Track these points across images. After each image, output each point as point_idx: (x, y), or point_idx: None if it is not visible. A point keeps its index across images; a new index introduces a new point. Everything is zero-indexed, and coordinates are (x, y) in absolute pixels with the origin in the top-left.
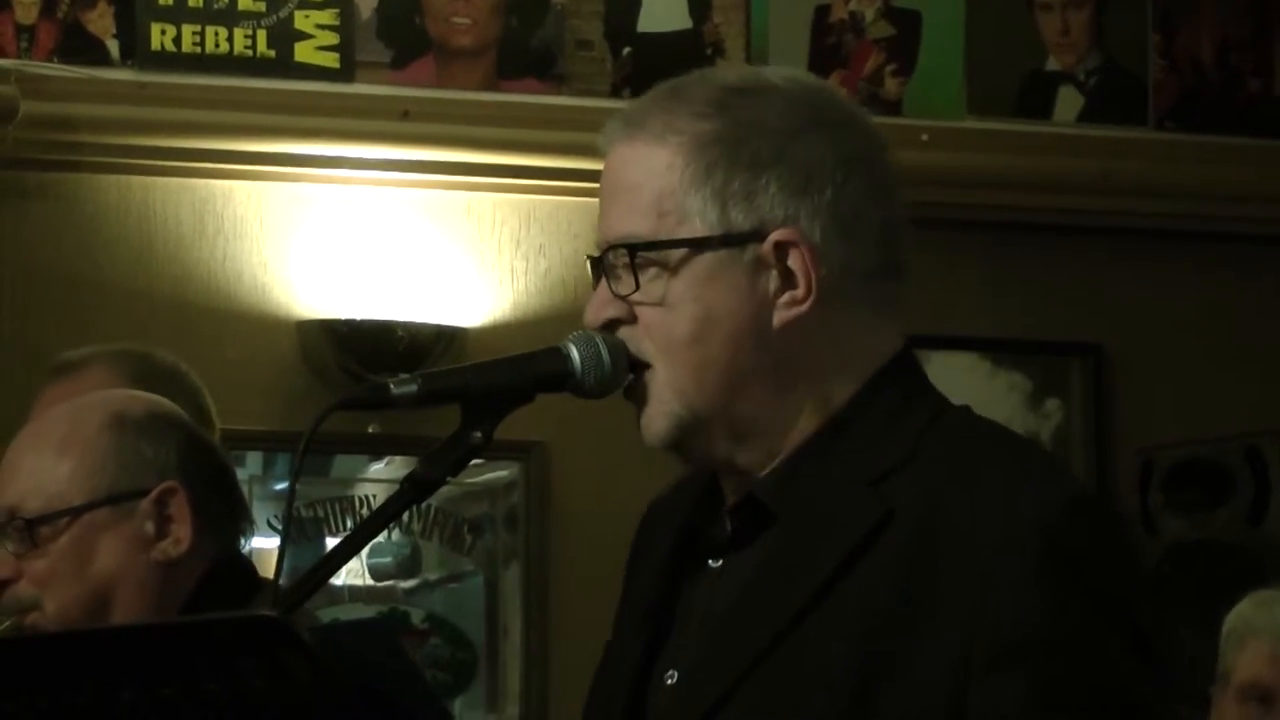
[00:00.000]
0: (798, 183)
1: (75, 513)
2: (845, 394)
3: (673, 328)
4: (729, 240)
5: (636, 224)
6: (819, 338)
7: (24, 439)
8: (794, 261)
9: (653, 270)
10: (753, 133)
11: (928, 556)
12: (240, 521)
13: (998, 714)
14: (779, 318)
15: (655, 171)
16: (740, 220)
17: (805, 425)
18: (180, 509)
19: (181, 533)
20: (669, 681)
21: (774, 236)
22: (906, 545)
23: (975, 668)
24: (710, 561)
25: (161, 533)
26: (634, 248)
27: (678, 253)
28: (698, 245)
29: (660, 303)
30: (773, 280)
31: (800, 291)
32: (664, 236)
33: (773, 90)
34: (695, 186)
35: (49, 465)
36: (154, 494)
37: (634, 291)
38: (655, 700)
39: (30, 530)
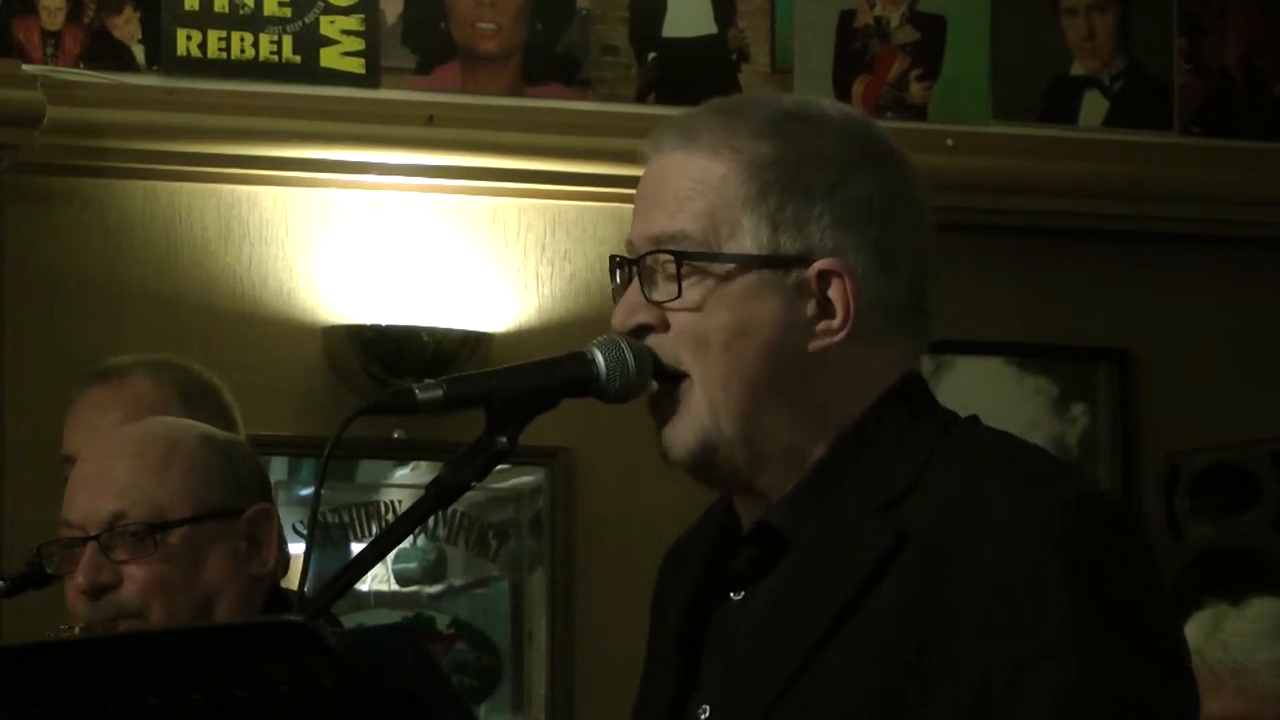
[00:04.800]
0: (848, 216)
1: (191, 522)
2: (853, 417)
3: (706, 332)
4: (775, 262)
5: (684, 231)
6: (845, 367)
7: (112, 450)
8: (834, 292)
9: (695, 279)
10: (810, 161)
11: (941, 576)
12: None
13: None
14: (814, 345)
15: (709, 183)
16: (788, 245)
17: (819, 450)
18: (269, 531)
19: (268, 554)
20: (702, 716)
21: (819, 265)
22: (920, 568)
23: (994, 680)
24: (732, 594)
25: (250, 552)
26: (682, 255)
27: (723, 266)
28: (745, 262)
29: (696, 309)
30: (810, 307)
31: (837, 322)
32: (712, 248)
33: (827, 119)
34: (749, 205)
35: (153, 476)
36: (250, 514)
37: (674, 299)
38: None
39: (152, 535)
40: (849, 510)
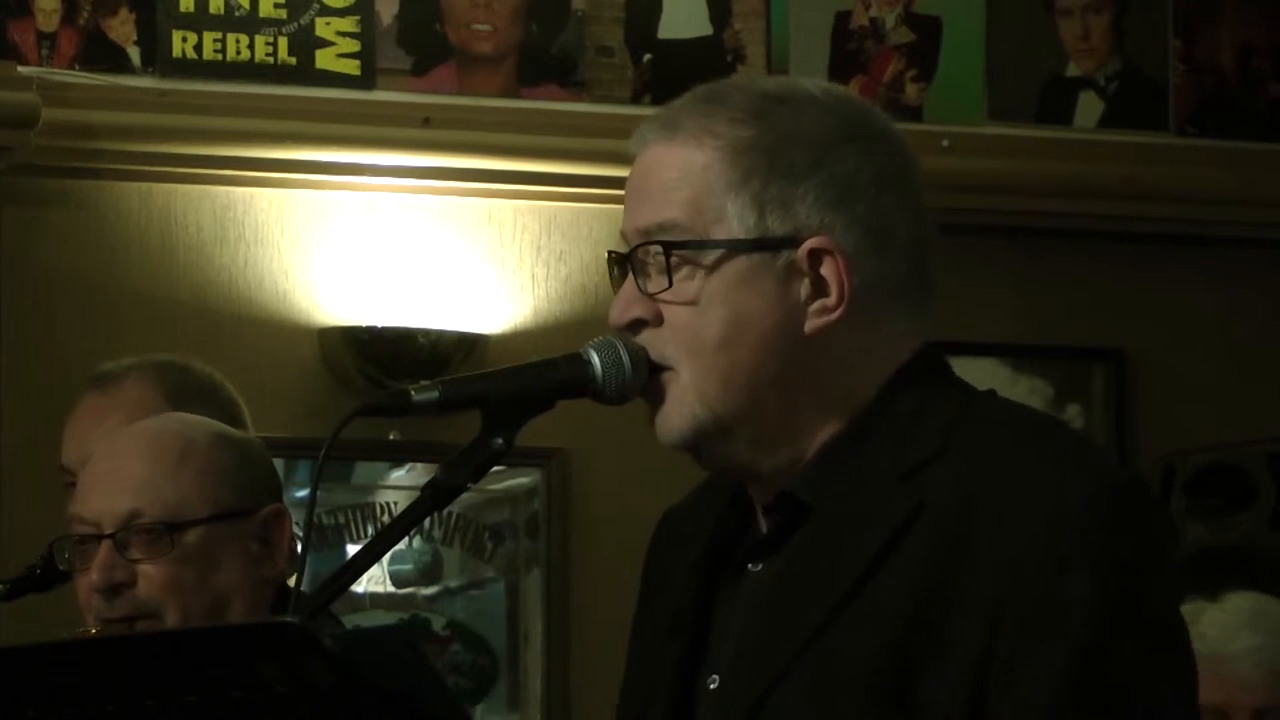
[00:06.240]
0: (834, 193)
1: (206, 522)
2: (869, 393)
3: (701, 330)
4: (763, 245)
5: (671, 221)
6: (846, 348)
7: (127, 448)
8: (827, 270)
9: (685, 270)
10: (791, 142)
11: (960, 547)
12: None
13: (1023, 702)
14: (810, 325)
15: (692, 172)
16: (776, 226)
17: (831, 428)
18: (282, 532)
19: (279, 555)
20: (711, 686)
21: (809, 244)
22: (939, 537)
23: (1001, 655)
24: (750, 566)
25: (262, 553)
26: (670, 245)
27: (712, 254)
28: (733, 247)
29: (691, 302)
30: (804, 288)
31: (832, 300)
32: (699, 237)
33: (810, 100)
34: (733, 190)
35: (168, 475)
36: (263, 514)
37: (665, 290)
38: (699, 707)
39: (168, 535)
40: (869, 478)
